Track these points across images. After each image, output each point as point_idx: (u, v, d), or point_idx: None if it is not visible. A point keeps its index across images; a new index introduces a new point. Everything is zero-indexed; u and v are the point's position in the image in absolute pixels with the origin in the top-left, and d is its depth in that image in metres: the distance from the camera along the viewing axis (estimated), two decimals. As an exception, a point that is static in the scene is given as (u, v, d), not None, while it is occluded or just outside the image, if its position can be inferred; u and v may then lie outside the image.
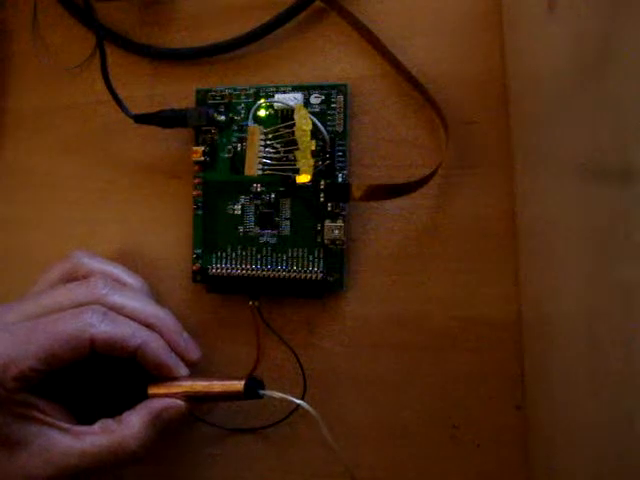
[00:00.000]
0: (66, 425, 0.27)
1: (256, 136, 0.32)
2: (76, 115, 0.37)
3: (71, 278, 0.30)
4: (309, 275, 0.31)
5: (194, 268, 0.33)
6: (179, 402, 0.28)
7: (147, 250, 0.35)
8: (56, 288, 0.29)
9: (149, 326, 0.29)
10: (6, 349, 0.26)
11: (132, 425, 0.27)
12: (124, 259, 0.35)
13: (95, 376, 0.29)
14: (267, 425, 0.32)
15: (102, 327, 0.27)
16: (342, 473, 0.31)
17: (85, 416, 0.28)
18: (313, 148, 0.31)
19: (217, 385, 0.28)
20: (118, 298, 0.28)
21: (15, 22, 0.38)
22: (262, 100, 0.33)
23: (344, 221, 0.31)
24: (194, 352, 0.30)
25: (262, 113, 0.33)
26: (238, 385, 0.28)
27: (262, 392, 0.28)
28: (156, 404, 0.28)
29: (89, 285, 0.29)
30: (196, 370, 0.30)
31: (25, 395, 0.26)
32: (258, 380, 0.29)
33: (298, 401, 0.29)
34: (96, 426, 0.27)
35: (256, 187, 0.33)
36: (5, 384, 0.25)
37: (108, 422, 0.27)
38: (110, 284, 0.29)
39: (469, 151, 0.31)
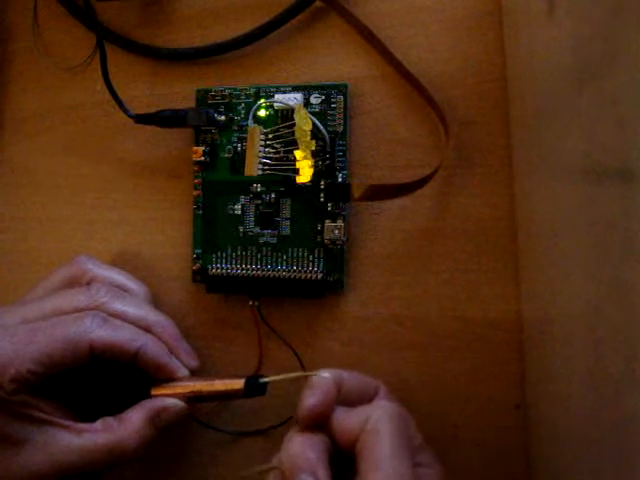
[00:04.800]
0: (67, 422, 0.27)
1: (256, 136, 0.32)
2: (76, 115, 0.37)
3: (74, 283, 0.30)
4: (309, 275, 0.31)
5: (194, 268, 0.33)
6: (179, 402, 0.28)
7: (147, 250, 0.35)
8: (58, 293, 0.29)
9: (149, 332, 0.29)
10: (4, 351, 0.26)
11: (132, 423, 0.27)
12: (124, 259, 0.35)
13: (100, 377, 0.29)
14: (273, 426, 0.32)
15: (101, 332, 0.27)
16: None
17: (90, 416, 0.28)
18: (313, 148, 0.31)
19: (218, 384, 0.29)
20: (119, 305, 0.29)
21: (15, 22, 0.38)
22: (262, 100, 0.33)
23: (344, 221, 0.31)
24: (193, 360, 0.30)
25: (262, 113, 0.33)
26: (239, 383, 0.28)
27: (262, 380, 0.28)
28: (156, 403, 0.28)
29: (90, 291, 0.29)
30: (196, 370, 0.30)
31: (24, 396, 0.26)
32: (258, 376, 0.29)
33: (299, 374, 0.28)
34: (97, 424, 0.28)
35: (256, 187, 0.33)
36: (3, 385, 0.25)
37: (109, 420, 0.28)
38: (112, 291, 0.29)
39: (469, 151, 0.31)
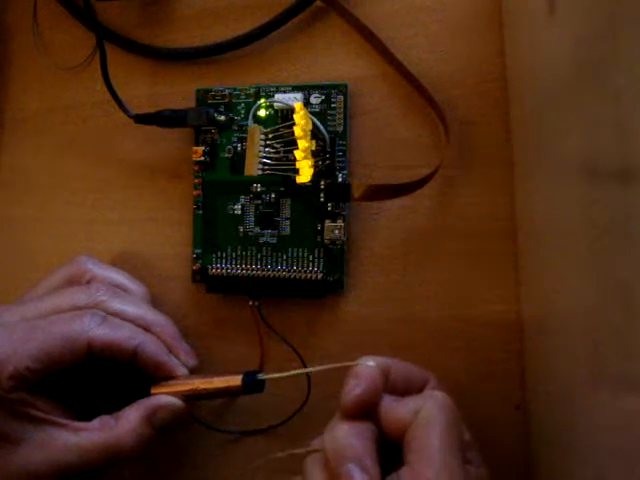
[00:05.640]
0: (64, 421, 0.27)
1: (256, 136, 0.32)
2: (76, 115, 0.37)
3: (74, 282, 0.30)
4: (309, 275, 0.31)
5: (194, 268, 0.33)
6: (176, 401, 0.28)
7: (147, 250, 0.35)
8: (57, 292, 0.29)
9: (148, 331, 0.29)
10: (3, 348, 0.26)
11: (129, 422, 0.27)
12: (124, 259, 0.35)
13: (99, 376, 0.29)
14: (272, 426, 0.32)
15: (99, 331, 0.27)
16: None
17: (89, 415, 0.28)
18: (313, 148, 0.31)
19: (216, 381, 0.29)
20: (118, 304, 0.29)
21: (15, 22, 0.38)
22: (262, 100, 0.33)
23: (344, 221, 0.31)
24: (191, 359, 0.30)
25: (262, 113, 0.33)
26: (237, 379, 0.28)
27: (260, 376, 0.28)
28: (153, 402, 0.28)
29: (90, 290, 0.29)
30: (195, 370, 0.30)
31: (22, 394, 0.26)
32: (256, 372, 0.29)
33: (300, 371, 0.28)
34: (94, 422, 0.27)
35: (256, 187, 0.33)
36: (0, 383, 0.25)
37: (106, 418, 0.28)
38: (111, 290, 0.29)
39: (469, 151, 0.31)
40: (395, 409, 0.23)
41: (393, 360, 0.25)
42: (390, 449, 0.23)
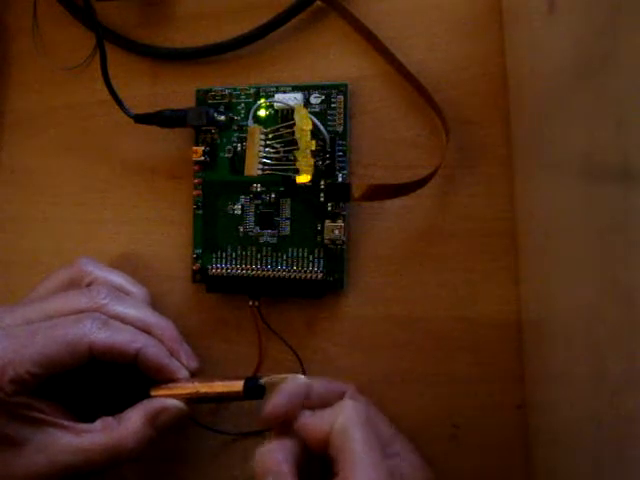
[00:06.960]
0: (66, 423, 0.27)
1: (256, 136, 0.32)
2: (76, 115, 0.37)
3: (74, 285, 0.30)
4: (309, 275, 0.31)
5: (194, 268, 0.33)
6: (178, 403, 0.28)
7: (147, 250, 0.35)
8: (58, 294, 0.29)
9: (149, 334, 0.29)
10: (4, 352, 0.26)
11: (131, 423, 0.27)
12: (124, 259, 0.35)
13: (100, 378, 0.29)
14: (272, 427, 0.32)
15: (101, 334, 0.27)
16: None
17: (90, 416, 0.28)
18: (313, 148, 0.31)
19: (218, 386, 0.29)
20: (119, 307, 0.29)
21: (15, 22, 0.38)
22: (262, 100, 0.33)
23: (344, 221, 0.31)
24: (193, 362, 0.30)
25: (262, 113, 0.33)
26: (238, 385, 0.28)
27: (261, 381, 0.28)
28: (155, 404, 0.28)
29: (91, 293, 0.29)
30: (196, 371, 0.30)
31: (24, 397, 0.26)
32: (257, 378, 0.29)
33: (298, 375, 0.28)
34: (96, 424, 0.28)
35: (256, 187, 0.33)
36: (2, 387, 0.25)
37: (108, 420, 0.28)
38: (112, 293, 0.29)
39: (469, 151, 0.31)
40: (312, 422, 0.25)
41: (316, 378, 0.27)
42: (324, 461, 0.24)
